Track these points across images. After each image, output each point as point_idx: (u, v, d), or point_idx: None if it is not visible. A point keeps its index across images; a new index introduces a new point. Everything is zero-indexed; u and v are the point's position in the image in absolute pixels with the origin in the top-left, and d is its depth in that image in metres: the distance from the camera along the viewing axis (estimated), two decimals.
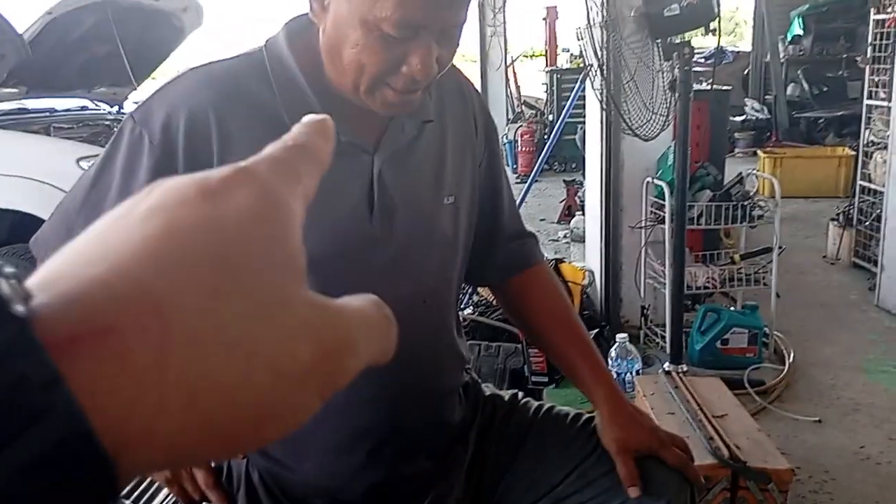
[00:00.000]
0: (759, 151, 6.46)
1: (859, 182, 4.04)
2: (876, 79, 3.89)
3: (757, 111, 8.04)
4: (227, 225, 0.22)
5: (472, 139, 1.12)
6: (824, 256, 4.30)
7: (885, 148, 3.64)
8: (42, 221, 1.03)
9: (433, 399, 1.12)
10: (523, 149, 7.28)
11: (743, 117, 8.03)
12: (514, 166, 7.21)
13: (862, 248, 4.00)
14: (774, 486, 1.85)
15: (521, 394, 1.31)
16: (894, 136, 3.53)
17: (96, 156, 1.08)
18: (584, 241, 3.89)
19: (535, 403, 1.29)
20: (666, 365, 2.71)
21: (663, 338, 3.01)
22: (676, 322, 2.79)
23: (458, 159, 1.08)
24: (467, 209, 1.10)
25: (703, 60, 9.12)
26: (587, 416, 1.25)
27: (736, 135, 7.71)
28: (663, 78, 2.82)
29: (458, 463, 1.19)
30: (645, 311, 3.20)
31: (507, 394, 1.30)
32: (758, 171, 5.99)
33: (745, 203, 3.03)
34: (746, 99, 8.24)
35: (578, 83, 3.78)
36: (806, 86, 7.55)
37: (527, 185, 4.26)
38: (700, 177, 3.15)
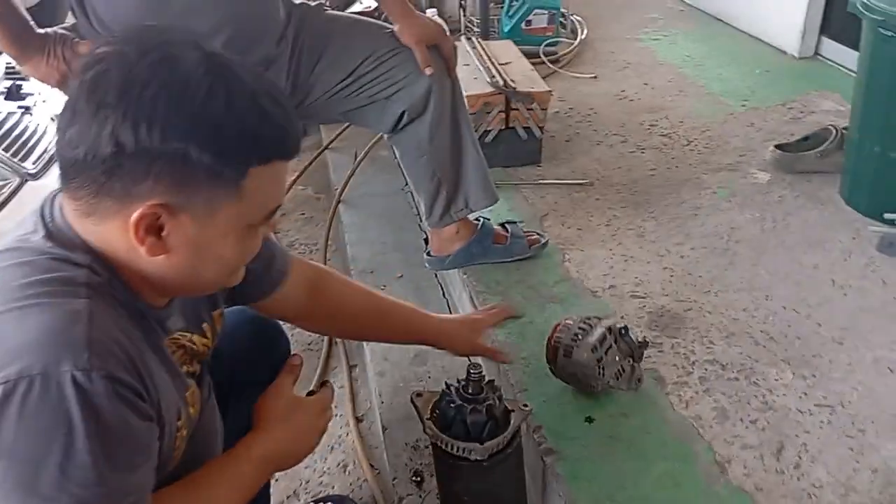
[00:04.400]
0: None
1: None
2: None
3: None
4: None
5: None
6: None
7: None
8: None
9: None
10: None
11: None
12: None
13: None
14: (537, 105, 2.40)
15: None
16: None
17: None
18: None
19: (334, 11, 1.70)
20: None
21: (478, 25, 3.43)
22: (483, 4, 3.22)
23: None
24: None
25: None
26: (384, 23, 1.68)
27: None
28: None
29: (283, 51, 1.58)
30: (462, 2, 3.56)
31: (312, 1, 1.68)
32: None
33: None
34: None
35: None
36: None
37: None
38: None
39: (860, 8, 1.93)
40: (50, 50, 1.37)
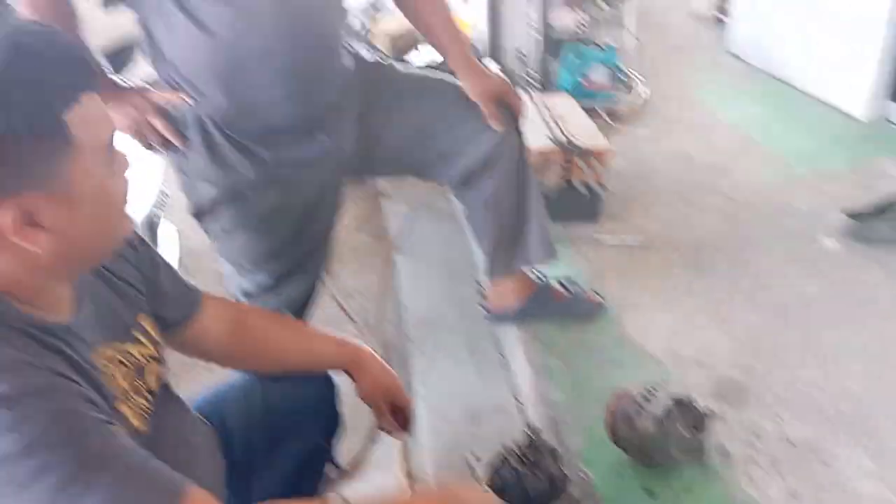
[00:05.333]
0: None
1: None
2: None
3: None
4: None
5: None
6: (690, 13, 4.72)
7: None
8: None
9: (330, 47, 1.50)
10: None
11: None
12: None
13: (723, 3, 4.42)
14: (597, 162, 2.39)
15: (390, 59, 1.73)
16: None
17: None
18: None
19: (404, 67, 1.71)
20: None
21: (537, 79, 3.45)
22: (543, 58, 3.24)
23: None
24: None
25: None
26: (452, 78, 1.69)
27: None
28: None
29: (351, 103, 1.59)
30: (521, 55, 3.59)
31: (384, 59, 1.71)
32: None
33: None
34: None
35: None
36: None
37: None
38: None
39: None
40: (126, 100, 1.40)
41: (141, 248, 1.01)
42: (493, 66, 3.08)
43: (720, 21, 4.38)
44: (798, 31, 3.47)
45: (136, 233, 1.01)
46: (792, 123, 3.17)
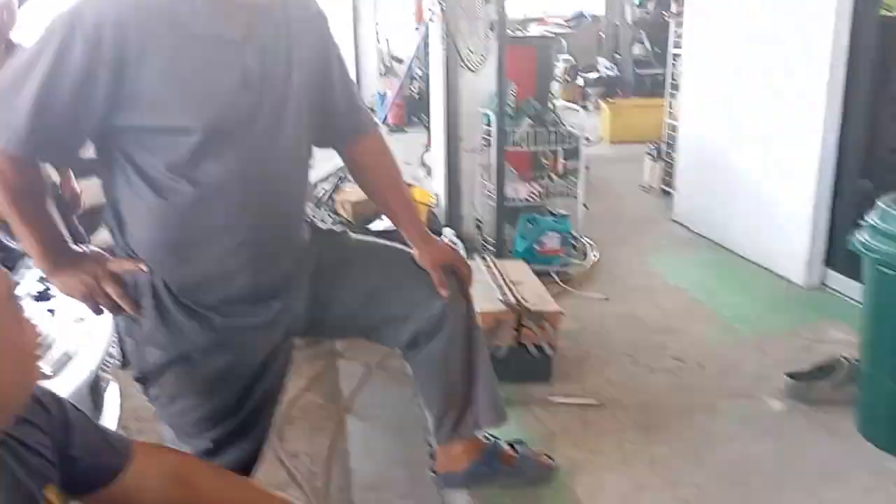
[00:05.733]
0: (601, 102, 7.23)
1: (666, 120, 4.79)
2: (678, 30, 4.60)
3: (608, 69, 8.84)
4: None
5: (313, 32, 1.52)
6: (641, 186, 5.04)
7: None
8: None
9: (291, 222, 1.58)
10: (395, 101, 7.73)
11: (597, 74, 8.82)
12: (385, 118, 7.64)
13: (669, 177, 4.75)
14: (548, 324, 2.45)
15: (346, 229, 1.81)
16: (685, 78, 4.26)
17: None
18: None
19: (358, 235, 1.80)
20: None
21: (493, 245, 3.60)
22: (499, 226, 3.41)
23: (302, 50, 1.49)
24: (308, 85, 1.51)
25: (563, 22, 9.90)
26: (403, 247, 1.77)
27: (588, 89, 8.51)
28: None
29: (305, 270, 1.66)
30: (478, 223, 3.77)
31: (337, 227, 1.80)
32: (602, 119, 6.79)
33: (558, 130, 3.64)
34: (598, 57, 9.02)
35: (425, 28, 4.28)
36: (648, 45, 8.38)
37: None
38: (523, 108, 3.74)
39: (859, 247, 2.01)
40: (82, 268, 1.42)
41: (54, 410, 1.00)
42: (451, 234, 3.22)
43: (667, 193, 4.68)
44: (736, 203, 3.72)
45: (51, 394, 1.01)
46: (736, 288, 3.32)
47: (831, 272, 3.23)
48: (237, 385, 1.54)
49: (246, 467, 1.61)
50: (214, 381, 1.51)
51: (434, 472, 1.92)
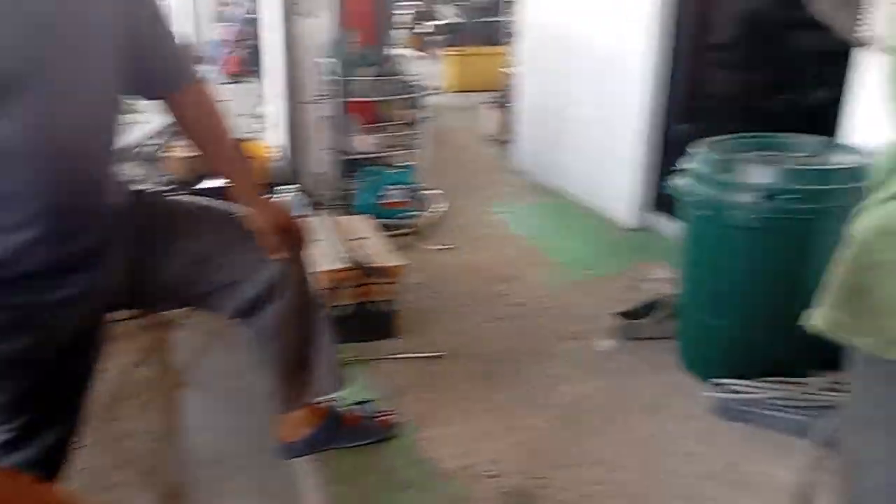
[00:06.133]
0: (442, 51, 7.23)
1: (505, 70, 4.85)
2: None
3: (455, 16, 8.83)
4: None
5: None
6: (483, 135, 5.12)
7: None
8: None
9: (99, 186, 1.42)
10: (231, 49, 7.33)
11: (441, 22, 8.79)
12: (218, 67, 7.22)
13: (509, 126, 4.84)
14: (390, 278, 2.44)
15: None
16: (522, 27, 4.32)
17: None
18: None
19: (184, 197, 1.67)
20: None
21: (339, 200, 3.52)
22: (342, 180, 3.33)
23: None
24: (114, 27, 1.35)
25: None
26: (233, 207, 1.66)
27: (432, 37, 8.48)
28: None
29: (120, 237, 1.51)
30: (321, 177, 3.67)
31: (160, 188, 1.65)
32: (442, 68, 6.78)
33: (400, 79, 3.58)
34: (439, 5, 8.98)
35: None
36: None
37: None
38: (365, 57, 3.63)
39: (675, 190, 2.15)
40: None
41: None
42: (291, 190, 3.10)
43: (507, 142, 4.77)
44: (571, 150, 3.86)
45: None
46: (572, 233, 3.46)
47: (656, 215, 3.44)
48: (40, 369, 1.40)
49: (52, 460, 1.48)
50: (16, 363, 1.37)
51: (276, 440, 1.86)
